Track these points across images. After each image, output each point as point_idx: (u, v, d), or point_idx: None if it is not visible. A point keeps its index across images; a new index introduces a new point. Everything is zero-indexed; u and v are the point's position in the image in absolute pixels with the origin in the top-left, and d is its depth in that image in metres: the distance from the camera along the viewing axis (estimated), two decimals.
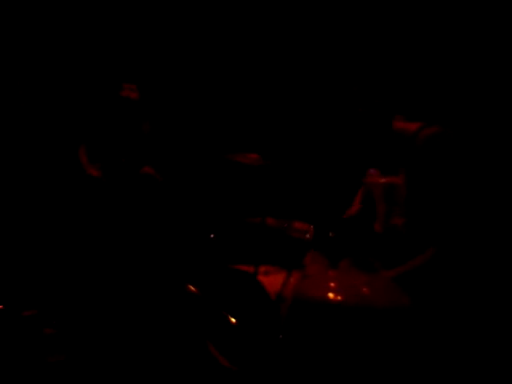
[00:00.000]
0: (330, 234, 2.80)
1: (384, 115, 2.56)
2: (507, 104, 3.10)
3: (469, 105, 3.17)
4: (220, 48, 4.10)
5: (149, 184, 3.54)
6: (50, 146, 3.94)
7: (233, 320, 2.93)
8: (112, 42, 4.08)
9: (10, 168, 3.85)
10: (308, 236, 3.10)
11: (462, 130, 2.56)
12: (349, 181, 3.15)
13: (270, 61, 3.97)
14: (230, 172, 3.82)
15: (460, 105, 3.16)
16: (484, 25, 3.17)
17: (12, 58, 3.91)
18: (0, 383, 2.58)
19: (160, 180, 3.58)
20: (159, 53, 4.14)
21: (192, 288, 3.09)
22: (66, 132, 3.92)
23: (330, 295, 2.34)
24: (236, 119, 4.06)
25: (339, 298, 2.32)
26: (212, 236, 3.32)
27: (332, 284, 2.39)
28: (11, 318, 2.92)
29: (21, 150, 3.89)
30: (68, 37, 4.01)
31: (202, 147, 4.03)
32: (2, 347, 2.75)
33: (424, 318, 2.36)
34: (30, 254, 3.53)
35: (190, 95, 4.16)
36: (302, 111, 3.81)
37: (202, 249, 3.34)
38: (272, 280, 2.94)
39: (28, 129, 3.95)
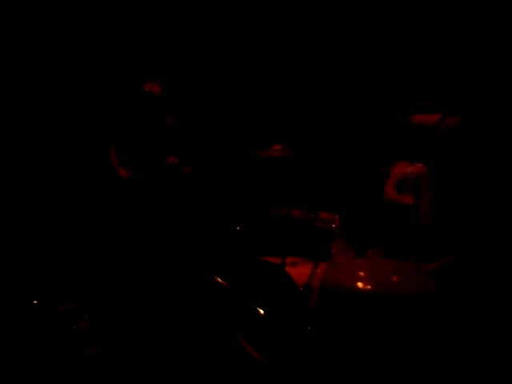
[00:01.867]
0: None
1: (400, 108, 2.55)
2: None
3: (487, 93, 3.10)
4: (242, 41, 4.10)
5: (175, 175, 3.56)
6: (78, 145, 3.99)
7: (261, 312, 2.94)
8: (134, 37, 4.10)
9: (38, 167, 3.91)
10: (334, 226, 3.09)
11: (483, 119, 2.52)
12: (373, 169, 3.13)
13: (294, 50, 3.95)
14: (255, 164, 3.82)
15: (478, 94, 3.10)
16: (505, 16, 3.11)
17: (35, 54, 3.95)
18: (36, 376, 2.64)
19: (186, 171, 3.59)
20: (182, 47, 4.15)
21: (220, 281, 3.11)
22: (92, 131, 3.95)
23: (360, 284, 2.34)
24: (260, 111, 4.05)
25: (369, 286, 2.32)
26: (238, 228, 3.33)
27: (361, 273, 2.39)
28: (46, 312, 2.98)
29: (47, 150, 3.95)
30: (90, 33, 4.04)
31: (228, 139, 4.03)
32: (37, 341, 2.81)
33: (451, 305, 2.34)
34: (64, 250, 3.59)
35: (214, 87, 4.16)
36: (326, 102, 3.80)
37: (229, 241, 3.36)
38: (299, 271, 2.95)
39: (52, 129, 3.99)
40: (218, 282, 3.10)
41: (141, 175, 3.58)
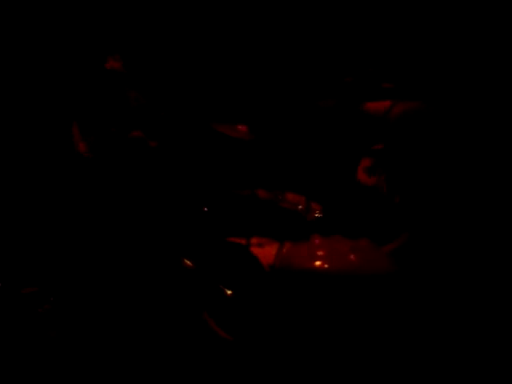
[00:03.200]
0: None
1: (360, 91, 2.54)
2: (482, 77, 3.00)
3: (442, 77, 3.07)
4: (208, 20, 4.04)
5: (139, 149, 3.51)
6: (38, 124, 3.93)
7: (228, 292, 2.96)
8: (94, 13, 4.02)
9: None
10: (301, 207, 3.11)
11: (435, 104, 2.50)
12: (339, 152, 3.13)
13: (261, 37, 3.92)
14: (220, 144, 3.80)
15: (432, 78, 3.07)
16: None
17: None
18: None
19: (152, 145, 3.55)
20: (144, 23, 4.08)
21: (187, 262, 3.11)
22: (54, 109, 3.89)
23: (317, 263, 2.36)
24: (226, 90, 4.02)
25: (326, 265, 2.34)
26: (205, 209, 3.33)
27: (318, 252, 2.41)
28: (9, 295, 2.97)
29: (11, 131, 3.90)
30: (50, 9, 3.96)
31: (192, 118, 3.99)
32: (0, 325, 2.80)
33: (411, 284, 2.36)
34: (28, 233, 3.56)
35: (178, 64, 4.10)
36: (291, 85, 3.77)
37: (195, 222, 3.35)
38: (266, 252, 2.96)
39: (14, 109, 3.94)
40: (185, 263, 3.11)
41: (102, 151, 3.54)
